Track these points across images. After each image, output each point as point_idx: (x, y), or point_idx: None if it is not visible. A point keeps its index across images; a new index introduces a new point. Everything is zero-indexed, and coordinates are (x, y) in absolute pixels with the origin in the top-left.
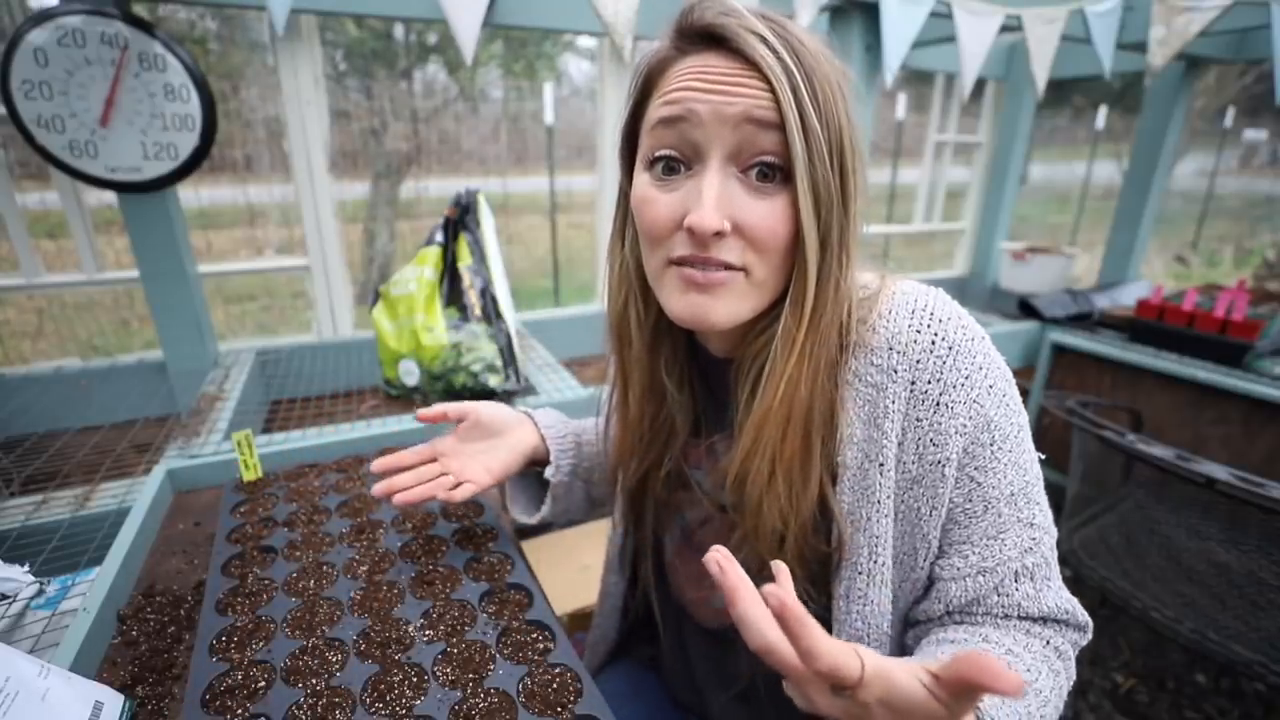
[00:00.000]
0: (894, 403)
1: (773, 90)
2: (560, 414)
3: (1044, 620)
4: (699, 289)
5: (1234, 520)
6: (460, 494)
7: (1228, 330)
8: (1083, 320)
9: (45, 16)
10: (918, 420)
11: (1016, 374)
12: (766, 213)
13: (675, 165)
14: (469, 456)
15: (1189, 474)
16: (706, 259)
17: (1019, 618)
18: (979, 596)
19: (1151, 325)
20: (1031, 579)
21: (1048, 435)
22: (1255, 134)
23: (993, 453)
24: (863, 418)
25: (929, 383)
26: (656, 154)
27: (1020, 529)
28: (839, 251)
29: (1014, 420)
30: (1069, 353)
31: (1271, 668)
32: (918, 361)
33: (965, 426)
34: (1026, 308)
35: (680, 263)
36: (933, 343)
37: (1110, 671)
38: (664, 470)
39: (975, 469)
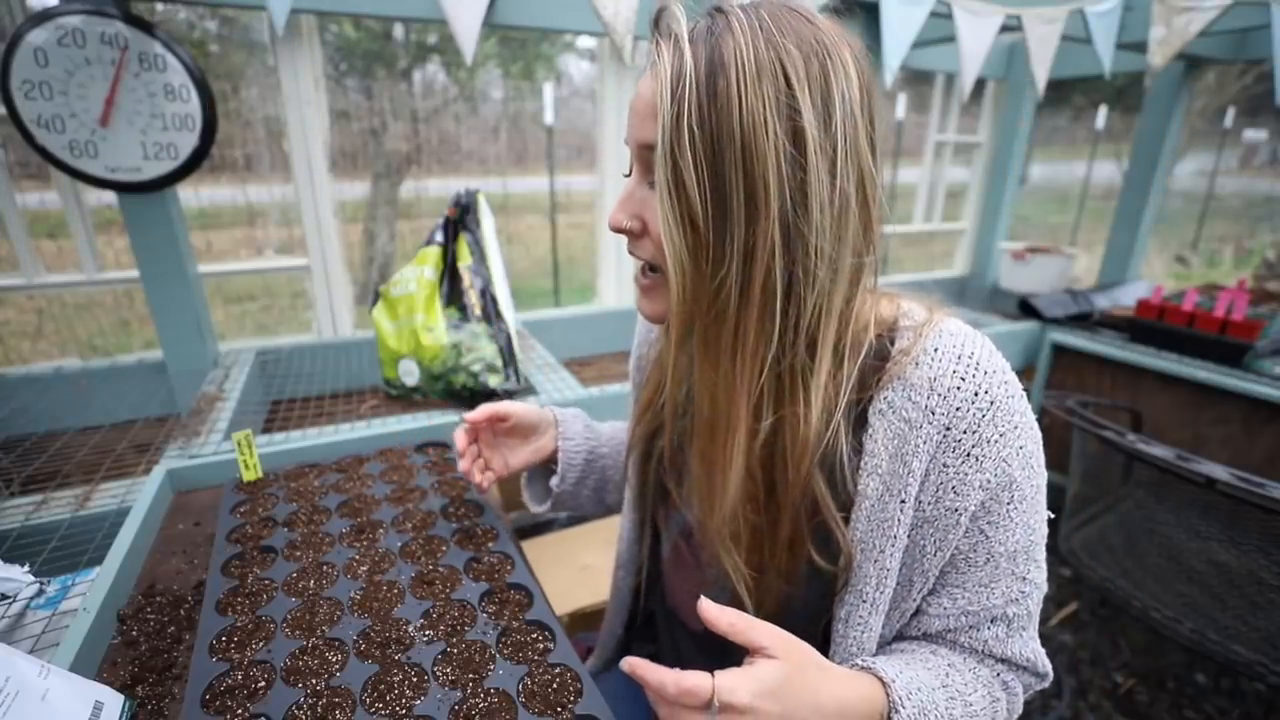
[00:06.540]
0: (924, 443)
1: None
2: (585, 420)
3: (1004, 662)
4: (639, 288)
5: (1234, 520)
6: (486, 481)
7: (1228, 330)
8: (1083, 320)
9: (45, 16)
10: (944, 466)
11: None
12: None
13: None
14: (495, 448)
15: (1189, 474)
16: (635, 256)
17: (983, 654)
18: (954, 629)
19: (1151, 325)
20: (1007, 625)
21: (1048, 435)
22: (1255, 134)
23: (1007, 511)
24: (890, 450)
25: (964, 432)
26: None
27: (1012, 581)
28: (740, 265)
29: (1034, 481)
30: (1069, 353)
31: (1271, 668)
32: (957, 409)
33: (989, 482)
34: (1026, 308)
35: None
36: (975, 394)
37: (1110, 671)
38: (667, 439)
39: (987, 523)
